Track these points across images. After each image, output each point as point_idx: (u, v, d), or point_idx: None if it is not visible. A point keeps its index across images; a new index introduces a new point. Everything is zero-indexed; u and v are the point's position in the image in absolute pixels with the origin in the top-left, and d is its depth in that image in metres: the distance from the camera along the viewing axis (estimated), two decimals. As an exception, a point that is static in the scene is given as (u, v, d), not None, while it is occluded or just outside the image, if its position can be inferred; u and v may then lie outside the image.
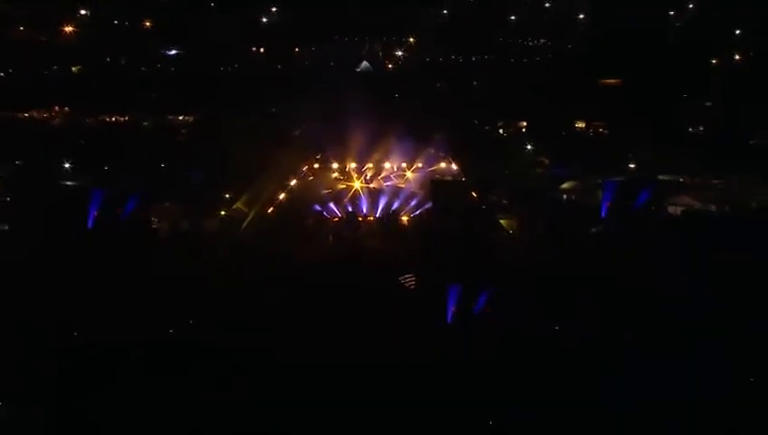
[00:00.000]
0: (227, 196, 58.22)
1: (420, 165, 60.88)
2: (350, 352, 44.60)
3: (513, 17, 66.96)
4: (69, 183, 59.80)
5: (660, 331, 45.76)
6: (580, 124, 65.07)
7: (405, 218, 58.60)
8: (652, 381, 42.43)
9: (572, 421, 40.68)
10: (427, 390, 42.84)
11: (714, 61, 63.49)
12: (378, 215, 60.06)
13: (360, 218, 59.66)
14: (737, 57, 63.26)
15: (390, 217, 59.37)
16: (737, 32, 63.11)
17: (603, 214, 56.24)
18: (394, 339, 45.52)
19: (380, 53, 69.55)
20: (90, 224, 54.21)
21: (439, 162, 61.26)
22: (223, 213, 58.00)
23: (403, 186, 60.72)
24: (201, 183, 59.53)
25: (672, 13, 64.21)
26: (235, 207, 58.59)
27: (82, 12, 62.84)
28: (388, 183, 60.79)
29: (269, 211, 58.56)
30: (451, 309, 50.65)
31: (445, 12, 67.13)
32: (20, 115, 64.33)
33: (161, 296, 49.01)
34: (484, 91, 66.87)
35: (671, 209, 57.95)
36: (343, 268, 53.41)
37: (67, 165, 59.74)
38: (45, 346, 45.43)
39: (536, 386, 42.79)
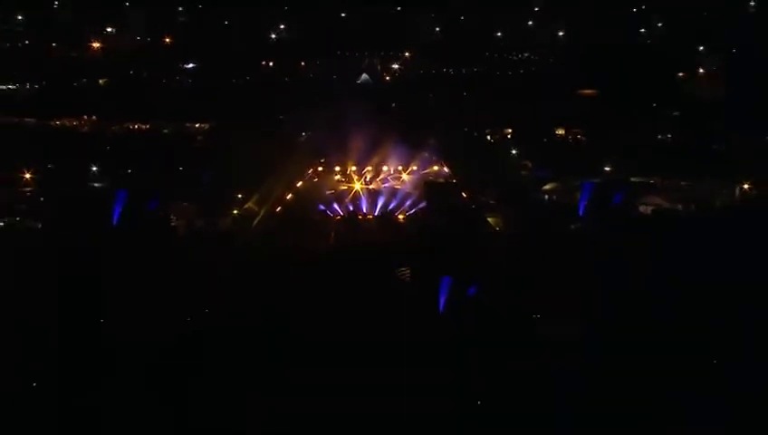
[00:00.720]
0: (240, 196, 60.73)
1: (415, 168, 63.35)
2: (347, 334, 46.37)
3: (499, 34, 69.74)
4: (96, 184, 62.45)
5: (633, 320, 47.42)
6: (561, 131, 68.46)
7: (401, 217, 60.66)
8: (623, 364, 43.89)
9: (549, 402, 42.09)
10: (416, 367, 44.46)
11: (680, 74, 67.41)
12: (376, 213, 62.48)
13: (360, 216, 61.45)
14: (701, 71, 67.16)
15: (388, 215, 60.69)
16: (701, 48, 67.29)
17: (581, 212, 59.17)
18: (388, 323, 47.49)
19: (379, 67, 74.44)
20: (115, 221, 56.42)
21: (432, 166, 63.92)
22: (236, 212, 60.48)
23: (399, 187, 63.18)
24: (215, 184, 61.91)
25: (642, 30, 68.10)
26: (246, 206, 61.09)
27: (108, 29, 66.50)
28: (386, 184, 63.16)
29: (278, 210, 61.03)
30: (443, 299, 54.83)
31: (437, 29, 69.94)
32: (53, 123, 67.62)
33: (178, 288, 50.52)
34: (474, 101, 70.03)
35: (642, 208, 60.96)
36: (344, 261, 55.00)
37: (94, 168, 62.51)
38: (77, 337, 46.81)
39: (516, 370, 44.66)
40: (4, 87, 70.33)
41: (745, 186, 63.44)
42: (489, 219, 62.16)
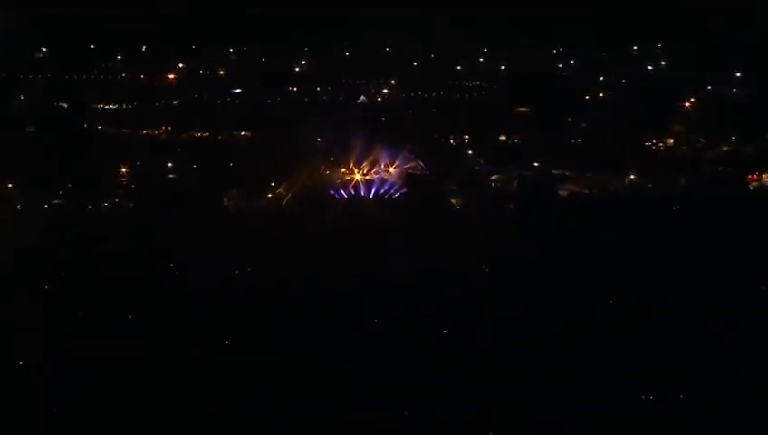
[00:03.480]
0: (272, 184, 71.30)
1: (398, 164, 73.16)
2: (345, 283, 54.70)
3: (458, 67, 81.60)
4: (171, 175, 72.87)
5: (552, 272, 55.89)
6: (503, 137, 78.96)
7: (387, 198, 71.63)
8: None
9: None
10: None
11: (587, 97, 79.41)
12: (371, 196, 71.77)
13: (360, 198, 71.45)
14: (601, 95, 79.28)
15: (380, 197, 71.40)
16: (601, 78, 79.48)
17: (518, 195, 71.66)
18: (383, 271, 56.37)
19: (373, 91, 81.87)
20: (185, 202, 67.32)
21: (411, 162, 73.88)
22: (269, 195, 71.29)
23: (387, 177, 72.72)
24: (255, 176, 71.88)
25: (560, 65, 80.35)
26: (277, 191, 71.47)
27: (180, 65, 78.71)
28: (378, 175, 72.53)
29: (299, 194, 70.72)
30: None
31: (415, 64, 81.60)
32: (141, 132, 77.11)
33: (229, 247, 60.45)
34: (440, 115, 79.59)
35: (561, 193, 72.48)
36: (348, 228, 65.63)
37: (170, 164, 73.21)
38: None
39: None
40: (110, 106, 76.79)
41: (632, 176, 73.50)
42: (452, 200, 72.21)
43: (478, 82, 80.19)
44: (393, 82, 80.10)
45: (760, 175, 72.61)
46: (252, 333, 49.34)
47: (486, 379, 44.23)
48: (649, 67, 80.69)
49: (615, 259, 57.58)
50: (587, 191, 72.60)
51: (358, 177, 71.87)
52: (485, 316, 51.17)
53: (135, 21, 75.64)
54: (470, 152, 76.86)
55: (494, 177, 74.11)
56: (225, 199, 69.71)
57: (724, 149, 75.32)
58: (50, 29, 76.17)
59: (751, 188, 72.43)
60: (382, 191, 71.09)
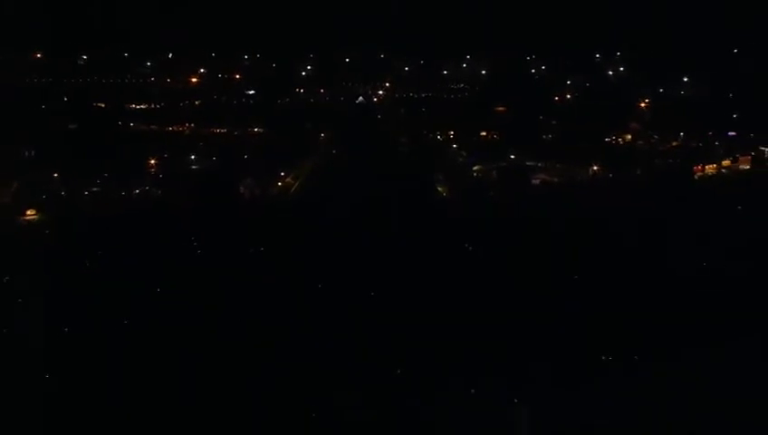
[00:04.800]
0: (282, 174, 75.78)
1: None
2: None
3: (444, 72, 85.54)
4: (194, 166, 76.52)
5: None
6: (484, 133, 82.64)
7: None
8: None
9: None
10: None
11: (556, 98, 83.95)
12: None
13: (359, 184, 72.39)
14: (568, 96, 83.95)
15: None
16: (568, 82, 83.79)
17: (496, 183, 75.88)
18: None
19: (369, 92, 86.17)
20: (207, 193, 71.30)
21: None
22: (280, 184, 75.52)
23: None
24: (266, 167, 75.39)
25: (533, 71, 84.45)
26: (286, 180, 75.83)
27: (202, 70, 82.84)
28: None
29: (305, 181, 75.20)
30: None
31: (406, 69, 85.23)
32: (166, 129, 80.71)
33: (243, 224, 66.27)
34: (429, 114, 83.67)
35: (534, 181, 76.87)
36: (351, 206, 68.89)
37: (193, 156, 77.05)
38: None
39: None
40: (140, 107, 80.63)
41: (595, 167, 77.90)
42: (439, 188, 75.88)
43: (462, 85, 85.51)
44: (387, 84, 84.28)
45: (703, 167, 77.04)
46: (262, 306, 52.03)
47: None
48: (610, 72, 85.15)
49: (580, 237, 62.48)
50: (556, 180, 76.87)
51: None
52: (468, 288, 54.08)
53: (162, 33, 78.44)
54: (454, 146, 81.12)
55: (475, 167, 78.06)
56: (240, 187, 73.61)
57: (674, 144, 79.87)
58: (89, 40, 78.85)
59: (696, 177, 76.81)
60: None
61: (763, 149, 78.43)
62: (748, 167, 78.01)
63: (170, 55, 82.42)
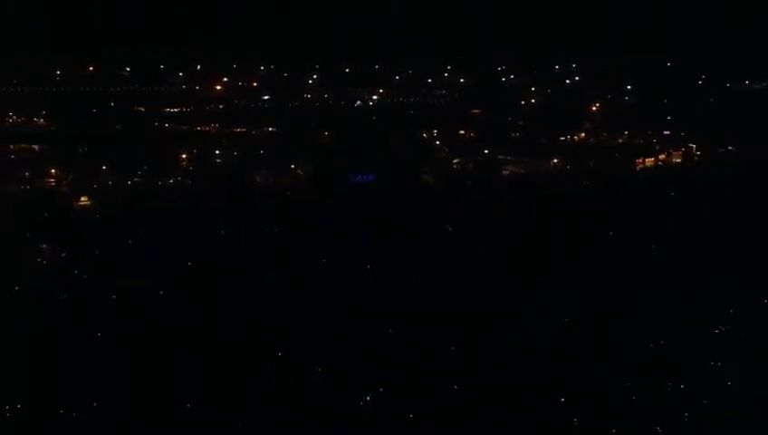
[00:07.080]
0: (292, 166, 79.14)
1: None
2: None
3: (429, 81, 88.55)
4: (218, 160, 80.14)
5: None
6: (462, 132, 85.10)
7: None
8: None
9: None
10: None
11: (523, 102, 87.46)
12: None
13: (360, 176, 76.78)
14: (533, 101, 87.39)
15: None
16: (533, 89, 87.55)
17: (472, 174, 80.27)
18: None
19: (366, 97, 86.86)
20: (229, 182, 76.41)
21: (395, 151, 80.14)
22: (290, 174, 79.03)
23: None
24: (279, 160, 79.62)
25: (503, 79, 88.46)
26: (297, 171, 79.49)
27: (225, 79, 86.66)
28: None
29: (311, 171, 78.31)
30: None
31: (397, 78, 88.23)
32: (195, 129, 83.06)
33: (257, 210, 71.43)
34: (417, 116, 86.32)
35: (504, 172, 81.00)
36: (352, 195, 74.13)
37: (217, 152, 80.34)
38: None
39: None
40: (173, 110, 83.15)
41: (555, 160, 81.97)
42: (426, 178, 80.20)
43: (443, 92, 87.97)
44: (381, 91, 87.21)
45: (644, 160, 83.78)
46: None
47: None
48: (567, 81, 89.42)
49: (541, 216, 69.49)
50: (523, 171, 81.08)
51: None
52: (450, 272, 59.03)
53: (191, 49, 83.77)
54: (438, 143, 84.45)
55: (455, 161, 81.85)
56: (257, 177, 78.44)
57: (620, 141, 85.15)
58: (131, 56, 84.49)
59: (637, 169, 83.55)
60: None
61: (691, 145, 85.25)
62: (680, 160, 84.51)
63: (198, 67, 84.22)
